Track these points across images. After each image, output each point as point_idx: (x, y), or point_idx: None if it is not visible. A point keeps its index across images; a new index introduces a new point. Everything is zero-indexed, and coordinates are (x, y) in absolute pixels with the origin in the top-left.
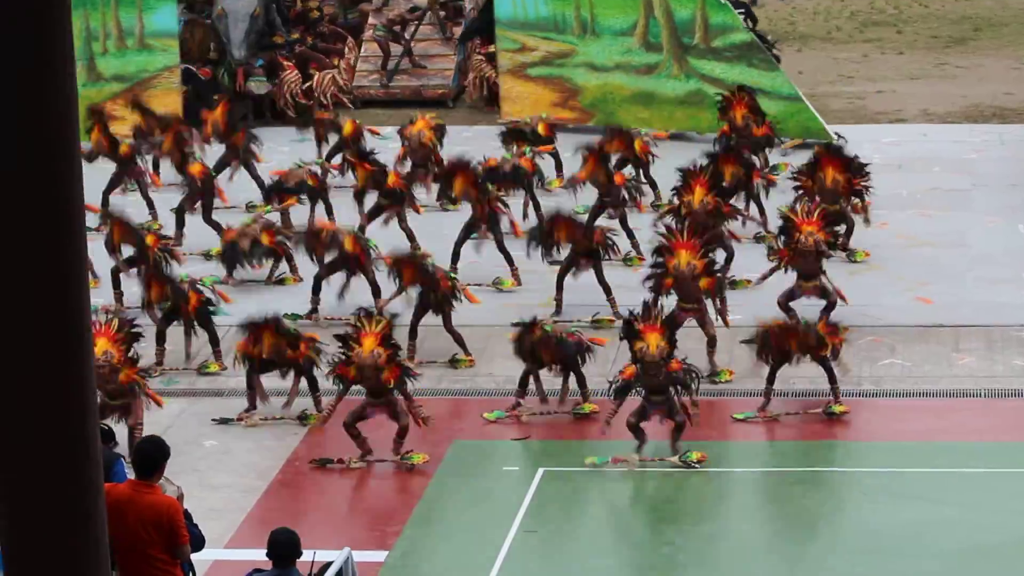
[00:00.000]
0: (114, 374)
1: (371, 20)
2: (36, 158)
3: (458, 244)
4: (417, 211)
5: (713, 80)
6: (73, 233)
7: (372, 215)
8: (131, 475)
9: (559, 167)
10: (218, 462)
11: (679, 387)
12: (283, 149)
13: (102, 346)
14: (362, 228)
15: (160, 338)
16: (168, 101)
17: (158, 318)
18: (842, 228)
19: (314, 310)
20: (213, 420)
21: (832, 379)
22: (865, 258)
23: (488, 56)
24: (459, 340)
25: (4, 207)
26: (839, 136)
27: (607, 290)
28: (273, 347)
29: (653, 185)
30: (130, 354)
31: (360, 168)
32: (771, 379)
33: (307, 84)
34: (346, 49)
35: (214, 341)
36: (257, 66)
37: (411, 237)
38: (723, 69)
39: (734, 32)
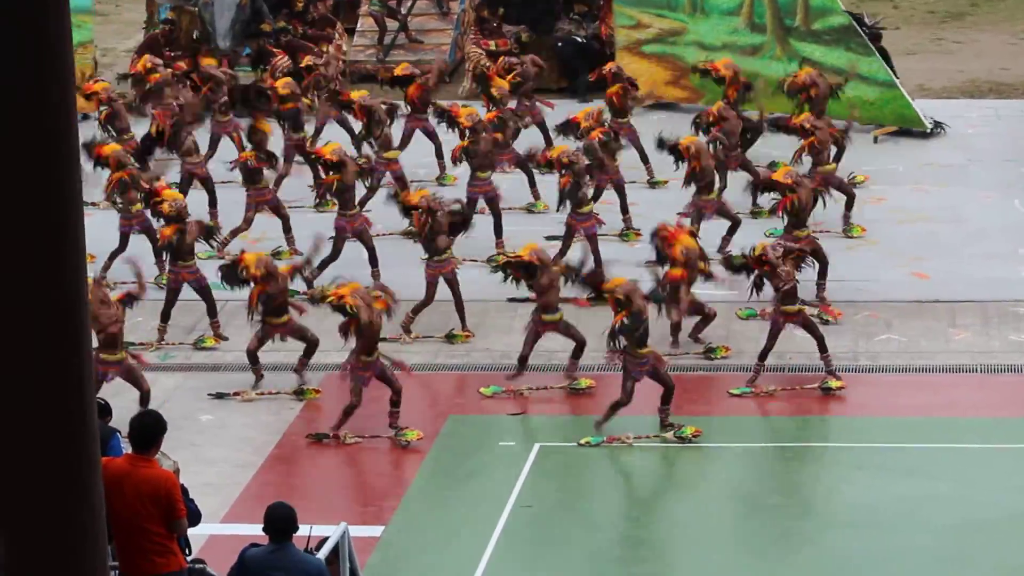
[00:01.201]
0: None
1: None
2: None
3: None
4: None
5: (813, 63)
6: (68, 204)
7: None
8: (127, 450)
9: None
10: (214, 436)
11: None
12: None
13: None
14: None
15: (165, 316)
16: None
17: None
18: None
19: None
20: (209, 394)
21: (822, 347)
22: (861, 233)
23: (490, 52)
24: (460, 311)
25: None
26: (936, 124)
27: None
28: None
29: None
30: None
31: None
32: (764, 356)
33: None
34: (336, 35)
35: (212, 313)
36: (244, 55)
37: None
38: (823, 52)
39: (832, 15)
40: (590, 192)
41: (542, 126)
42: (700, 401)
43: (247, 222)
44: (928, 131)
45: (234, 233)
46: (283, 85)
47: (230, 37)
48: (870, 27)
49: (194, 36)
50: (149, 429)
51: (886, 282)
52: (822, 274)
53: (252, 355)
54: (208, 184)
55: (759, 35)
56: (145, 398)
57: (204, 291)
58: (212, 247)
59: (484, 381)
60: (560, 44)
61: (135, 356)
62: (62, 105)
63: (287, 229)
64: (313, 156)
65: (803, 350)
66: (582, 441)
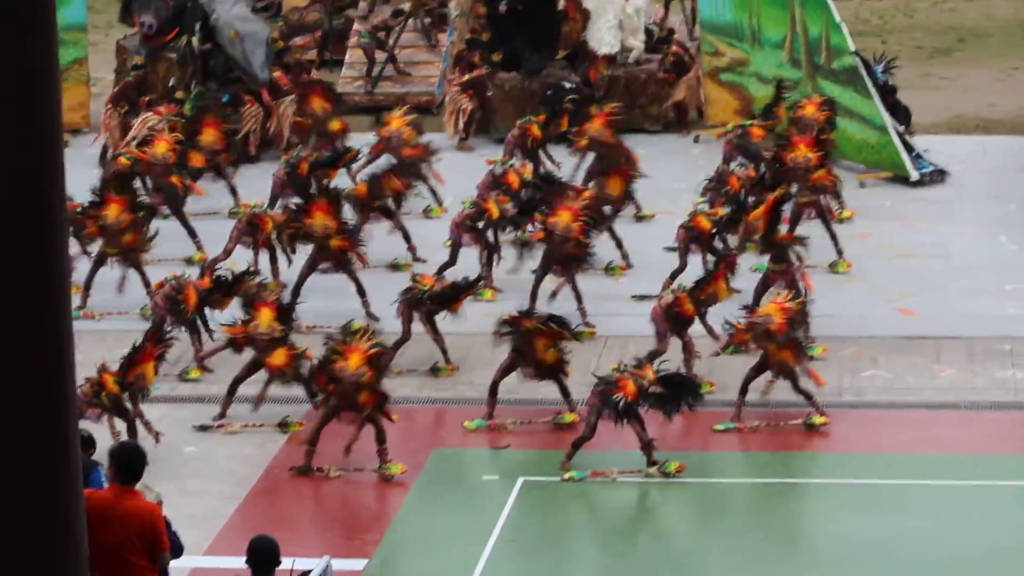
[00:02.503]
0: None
1: (356, 27)
2: (18, 158)
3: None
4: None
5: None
6: (53, 231)
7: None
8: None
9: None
10: (198, 469)
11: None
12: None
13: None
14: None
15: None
16: (77, 93)
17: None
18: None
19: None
20: (194, 426)
21: (803, 395)
22: (847, 269)
23: (465, 84)
24: (442, 347)
25: None
26: (938, 171)
27: (579, 299)
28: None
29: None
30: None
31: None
32: (744, 389)
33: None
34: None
35: (197, 344)
36: (224, 101)
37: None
38: (839, 92)
39: (844, 55)
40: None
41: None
42: (684, 436)
43: (227, 252)
44: (915, 180)
45: (213, 263)
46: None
47: (267, 70)
48: (884, 70)
49: (170, 83)
50: (134, 461)
51: (872, 318)
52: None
53: (234, 384)
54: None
55: (797, 70)
56: (132, 427)
57: (189, 322)
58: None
59: (468, 415)
60: (548, 92)
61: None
62: (47, 124)
63: (274, 260)
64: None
65: (786, 385)
66: (566, 476)
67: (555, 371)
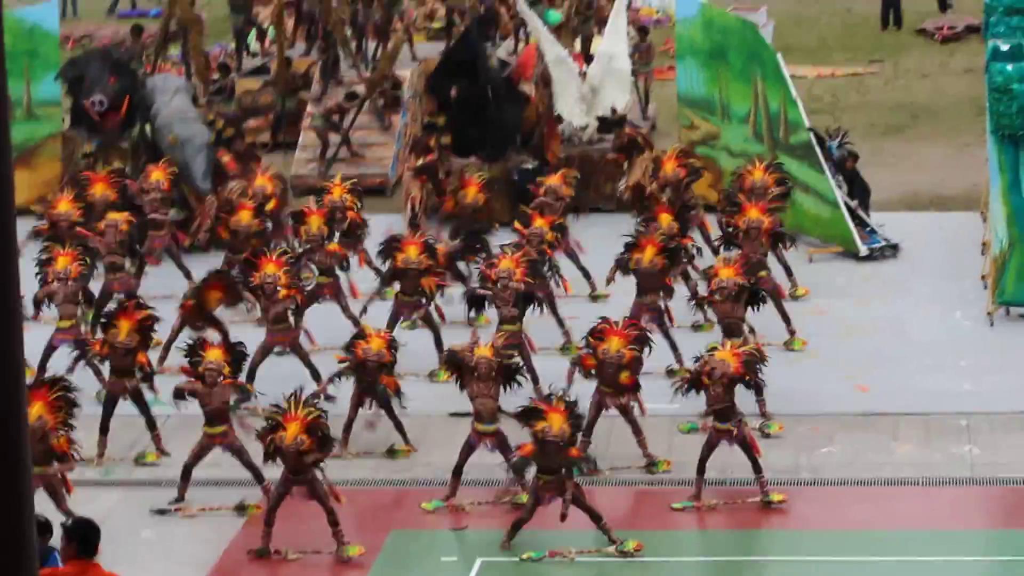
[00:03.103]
0: (43, 441)
1: (309, 109)
2: None
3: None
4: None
5: (792, 177)
6: (4, 288)
7: (311, 298)
8: None
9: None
10: (156, 553)
11: (570, 472)
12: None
13: (36, 411)
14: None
15: (104, 428)
16: (53, 167)
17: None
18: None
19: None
20: (151, 511)
21: (757, 469)
22: (803, 347)
23: (419, 169)
24: (400, 428)
25: None
26: (890, 245)
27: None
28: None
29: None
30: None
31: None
32: (701, 469)
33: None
34: (258, 171)
35: (151, 426)
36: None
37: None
38: (796, 166)
39: (799, 131)
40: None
41: None
42: (642, 515)
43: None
44: (863, 256)
45: (167, 348)
46: None
47: (207, 178)
48: (840, 144)
49: (124, 170)
50: (93, 533)
51: (828, 395)
52: (758, 391)
53: (187, 469)
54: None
55: (760, 144)
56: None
57: (140, 401)
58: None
59: (426, 496)
60: (517, 175)
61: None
62: None
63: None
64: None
65: (744, 463)
66: (524, 556)
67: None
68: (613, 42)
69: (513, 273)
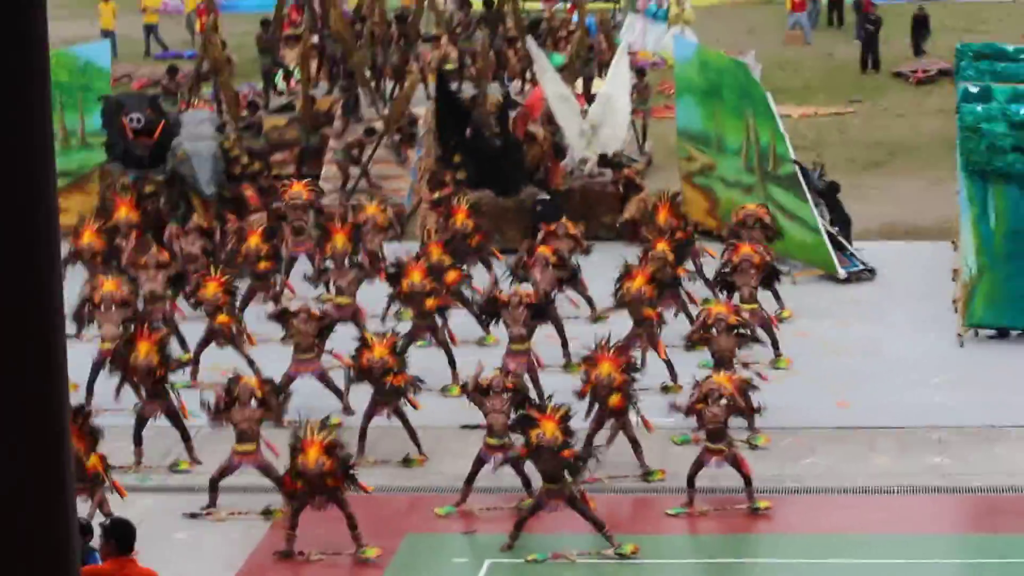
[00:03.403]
0: (78, 463)
1: (331, 144)
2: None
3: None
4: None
5: (779, 205)
6: (51, 316)
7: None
8: None
9: None
10: (188, 554)
11: (570, 473)
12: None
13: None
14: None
15: (137, 440)
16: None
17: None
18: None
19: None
20: (184, 514)
21: (747, 482)
22: (788, 365)
23: (435, 202)
24: (414, 438)
25: None
26: (867, 269)
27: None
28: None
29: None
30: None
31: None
32: (691, 483)
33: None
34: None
35: (185, 438)
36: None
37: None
38: (783, 195)
39: (786, 163)
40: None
41: None
42: (639, 520)
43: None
44: (843, 278)
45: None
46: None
47: (213, 184)
48: (819, 176)
49: (161, 202)
50: (130, 532)
51: (810, 410)
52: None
53: (213, 483)
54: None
55: (752, 175)
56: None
57: (174, 417)
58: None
59: (439, 502)
60: (537, 206)
61: (115, 485)
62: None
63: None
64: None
65: (733, 473)
66: (529, 558)
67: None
68: (614, 84)
69: (525, 294)
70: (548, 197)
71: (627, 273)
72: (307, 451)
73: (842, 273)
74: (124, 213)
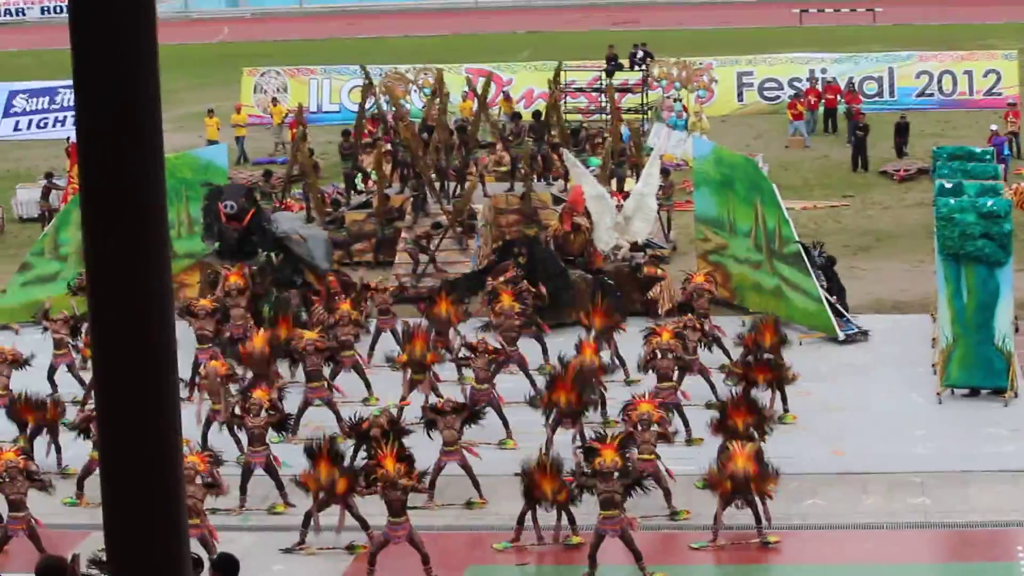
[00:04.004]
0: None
1: (403, 235)
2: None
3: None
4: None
5: (784, 279)
6: (164, 343)
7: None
8: None
9: None
10: None
11: (635, 487)
12: None
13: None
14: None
15: (242, 489)
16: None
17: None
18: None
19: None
20: (280, 549)
21: (758, 520)
22: (793, 420)
23: (503, 283)
24: (476, 485)
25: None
26: (861, 332)
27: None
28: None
29: (622, 362)
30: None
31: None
32: (717, 518)
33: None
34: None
35: (279, 486)
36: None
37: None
38: (788, 270)
39: (790, 243)
40: None
41: None
42: (668, 553)
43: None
44: (842, 340)
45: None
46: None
47: (327, 261)
48: (820, 254)
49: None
50: (235, 566)
51: (811, 458)
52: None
53: (307, 517)
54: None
55: (760, 254)
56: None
57: (271, 470)
58: (282, 436)
59: (496, 539)
60: (596, 283)
61: (210, 528)
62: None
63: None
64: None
65: (745, 511)
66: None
67: (564, 506)
68: (646, 183)
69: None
70: (607, 280)
71: (652, 332)
72: (383, 463)
73: (841, 335)
74: (233, 280)
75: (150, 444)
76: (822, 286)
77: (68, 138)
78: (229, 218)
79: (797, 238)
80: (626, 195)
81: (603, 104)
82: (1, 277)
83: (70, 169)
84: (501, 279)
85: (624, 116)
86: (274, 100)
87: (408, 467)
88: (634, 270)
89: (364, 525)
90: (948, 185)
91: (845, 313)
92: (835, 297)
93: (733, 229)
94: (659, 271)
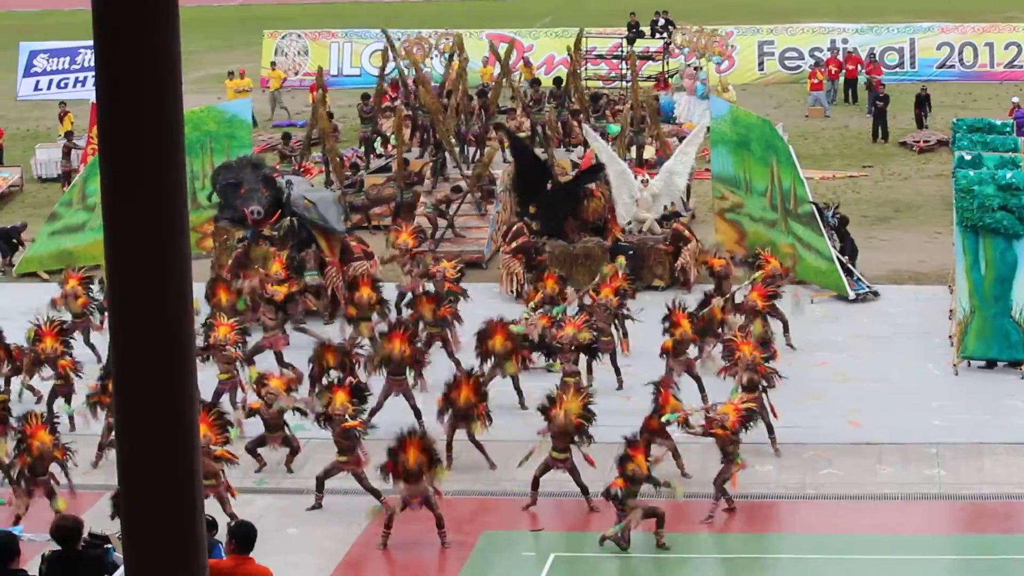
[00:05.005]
0: (207, 455)
1: (422, 199)
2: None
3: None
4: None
5: (798, 238)
6: (183, 313)
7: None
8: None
9: None
10: (299, 546)
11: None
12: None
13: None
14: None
15: (256, 455)
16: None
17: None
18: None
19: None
20: (306, 509)
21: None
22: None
23: (516, 250)
24: (481, 450)
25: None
26: (871, 291)
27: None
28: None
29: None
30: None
31: None
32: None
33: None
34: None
35: (294, 452)
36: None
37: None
38: (802, 230)
39: (805, 203)
40: None
41: None
42: (682, 522)
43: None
44: (851, 298)
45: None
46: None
47: (342, 222)
48: (833, 215)
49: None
50: (251, 534)
51: (827, 429)
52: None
53: (320, 481)
54: None
55: (775, 212)
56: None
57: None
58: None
59: (511, 504)
60: (630, 252)
61: (227, 485)
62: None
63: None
64: None
65: (761, 481)
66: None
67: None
68: (678, 161)
69: (576, 335)
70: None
71: (670, 317)
72: (408, 452)
73: (851, 294)
74: (275, 268)
75: (163, 414)
76: (834, 246)
77: (91, 101)
78: (256, 222)
79: (811, 198)
80: (642, 164)
81: (624, 72)
82: (23, 236)
83: (90, 129)
84: (514, 244)
85: (641, 84)
86: (272, 64)
87: (429, 458)
88: (666, 219)
89: (376, 494)
90: (967, 157)
91: (856, 272)
92: (847, 257)
93: (749, 188)
94: (687, 232)
